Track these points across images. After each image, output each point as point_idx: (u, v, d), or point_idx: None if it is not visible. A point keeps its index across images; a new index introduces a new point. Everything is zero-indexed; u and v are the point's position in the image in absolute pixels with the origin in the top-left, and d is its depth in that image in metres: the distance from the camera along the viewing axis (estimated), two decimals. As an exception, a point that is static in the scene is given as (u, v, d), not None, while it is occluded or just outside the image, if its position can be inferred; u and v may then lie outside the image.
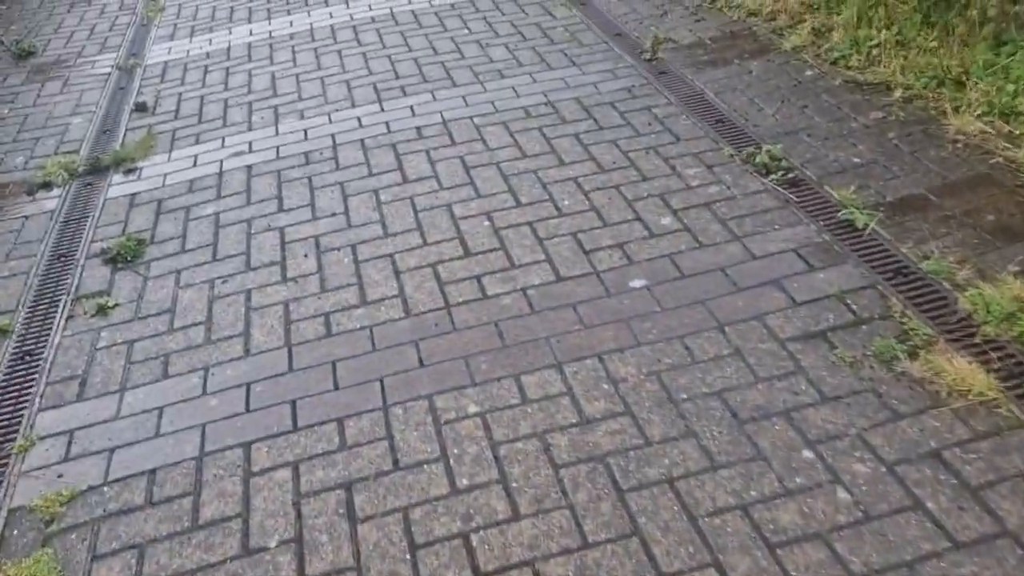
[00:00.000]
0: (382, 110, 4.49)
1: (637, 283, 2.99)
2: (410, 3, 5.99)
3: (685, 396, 2.53)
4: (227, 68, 5.31)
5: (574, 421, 2.49)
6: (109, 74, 5.49)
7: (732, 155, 3.68)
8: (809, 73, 4.28)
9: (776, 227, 3.20)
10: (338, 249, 3.39)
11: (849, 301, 2.81)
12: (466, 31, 5.41)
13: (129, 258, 3.49)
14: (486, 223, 3.43)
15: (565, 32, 5.20)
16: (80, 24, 6.46)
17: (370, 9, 5.97)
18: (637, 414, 2.49)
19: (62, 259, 3.60)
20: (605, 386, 2.59)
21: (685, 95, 4.28)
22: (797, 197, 3.35)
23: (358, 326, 2.96)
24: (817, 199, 3.33)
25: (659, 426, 2.44)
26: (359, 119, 4.42)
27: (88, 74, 5.52)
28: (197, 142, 4.44)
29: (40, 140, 4.69)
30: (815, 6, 4.82)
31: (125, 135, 4.63)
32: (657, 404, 2.52)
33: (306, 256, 3.37)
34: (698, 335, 2.75)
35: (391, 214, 3.56)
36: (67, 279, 3.46)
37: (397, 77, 4.85)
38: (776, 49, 4.58)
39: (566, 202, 3.50)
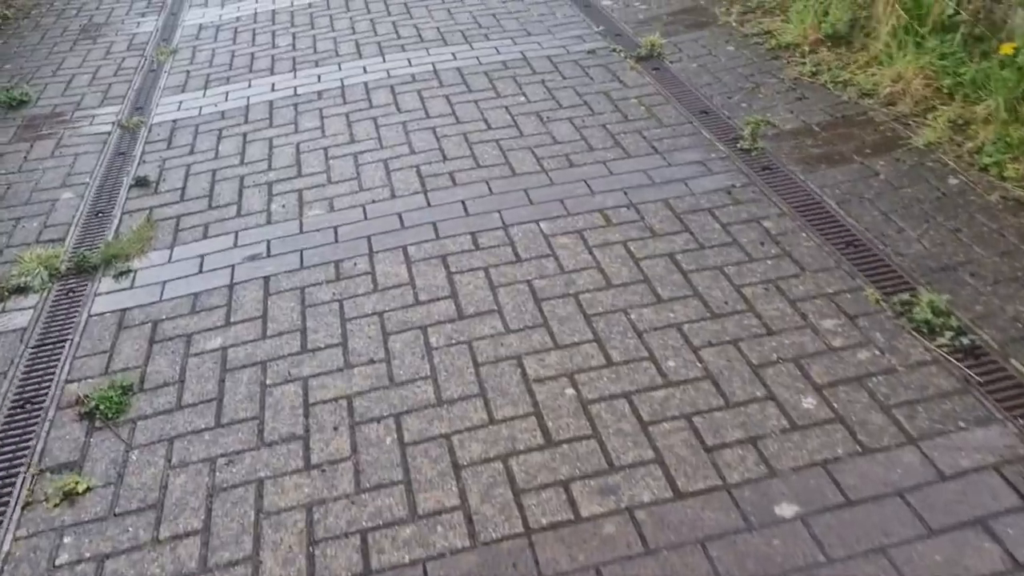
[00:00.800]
0: (428, 204, 3.73)
1: (786, 510, 2.21)
2: (455, 59, 5.25)
3: None
4: (244, 134, 4.57)
5: None
6: (109, 133, 4.76)
7: (879, 301, 2.90)
8: (954, 182, 3.50)
9: (962, 424, 2.41)
10: (378, 420, 2.62)
11: (1095, 566, 2.02)
12: (523, 98, 4.65)
13: (110, 414, 2.73)
14: (569, 391, 2.65)
15: (640, 106, 4.44)
16: (82, 66, 5.74)
17: (409, 64, 5.23)
18: None
19: (27, 407, 2.84)
20: None
21: (799, 202, 3.50)
22: (980, 376, 2.56)
23: (407, 559, 2.18)
24: (1008, 382, 2.54)
25: None
26: (400, 217, 3.66)
27: (85, 133, 4.79)
28: (205, 235, 3.69)
29: (21, 221, 3.95)
30: (947, 90, 4.04)
31: (121, 220, 3.89)
32: None
33: (336, 429, 2.60)
34: (887, 612, 1.97)
35: (445, 367, 2.79)
36: (30, 439, 2.70)
37: (445, 159, 4.09)
38: (904, 144, 3.80)
39: (671, 363, 2.72)
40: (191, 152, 4.45)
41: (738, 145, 3.96)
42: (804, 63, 4.65)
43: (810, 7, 5.04)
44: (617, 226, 3.45)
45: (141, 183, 4.17)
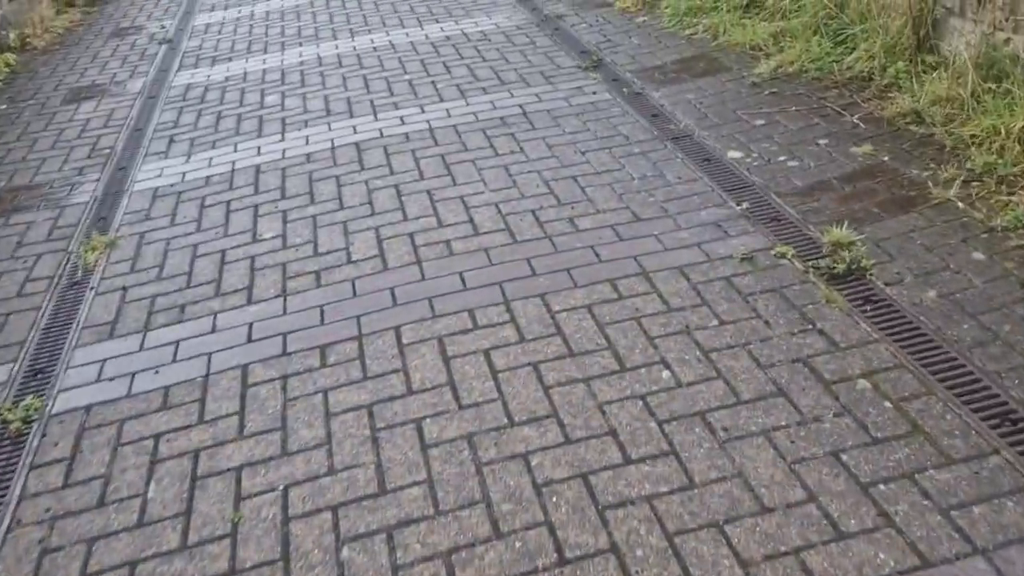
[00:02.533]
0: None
1: None
2: (533, 272, 3.35)
3: None
4: (195, 453, 2.65)
5: None
6: (-22, 438, 2.87)
7: None
8: None
9: None
10: None
11: None
12: (666, 373, 2.76)
13: None
14: None
15: (881, 398, 2.53)
16: (-25, 274, 3.90)
17: (463, 284, 3.33)
18: None
19: None
20: None
21: None
22: None
23: None
24: None
25: None
26: None
27: (-61, 437, 2.90)
28: None
29: None
30: None
31: None
32: None
33: None
34: None
35: None
36: None
37: (562, 563, 2.18)
38: None
39: None
40: (100, 504, 2.53)
41: None
42: None
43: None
44: None
45: (-3, 603, 2.26)
